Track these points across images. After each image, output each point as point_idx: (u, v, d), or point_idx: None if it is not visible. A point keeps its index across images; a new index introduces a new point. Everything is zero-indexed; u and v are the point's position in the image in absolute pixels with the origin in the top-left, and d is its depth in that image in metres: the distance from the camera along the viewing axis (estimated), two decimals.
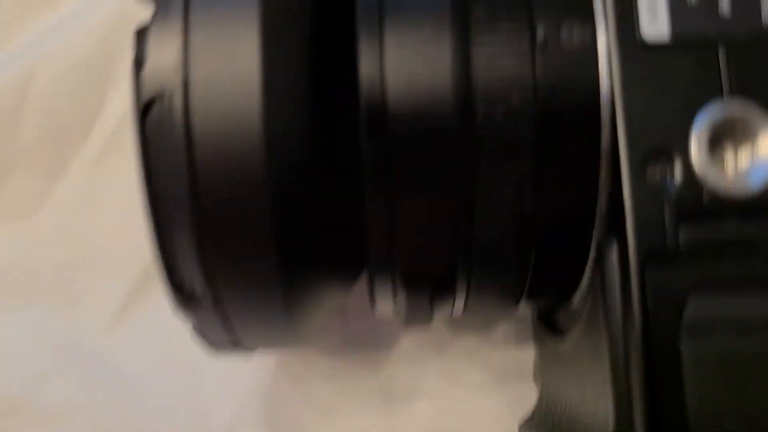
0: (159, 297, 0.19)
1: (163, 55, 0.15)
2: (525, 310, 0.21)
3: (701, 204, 0.16)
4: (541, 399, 0.22)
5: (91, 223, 0.28)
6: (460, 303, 0.19)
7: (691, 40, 0.16)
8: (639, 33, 0.16)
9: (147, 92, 0.16)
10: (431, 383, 0.26)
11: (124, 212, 0.28)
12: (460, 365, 0.26)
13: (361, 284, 0.20)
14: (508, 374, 0.26)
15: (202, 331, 0.18)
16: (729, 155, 0.16)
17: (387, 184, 0.17)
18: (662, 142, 0.16)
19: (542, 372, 0.22)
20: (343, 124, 0.17)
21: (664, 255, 0.15)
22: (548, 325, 0.21)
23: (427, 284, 0.18)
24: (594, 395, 0.17)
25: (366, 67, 0.16)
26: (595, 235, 0.17)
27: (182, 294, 0.17)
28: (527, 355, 0.24)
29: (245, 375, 0.27)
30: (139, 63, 0.16)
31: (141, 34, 0.16)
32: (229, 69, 0.15)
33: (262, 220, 0.16)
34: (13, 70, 0.29)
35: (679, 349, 0.15)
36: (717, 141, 0.16)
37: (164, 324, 0.22)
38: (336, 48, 0.18)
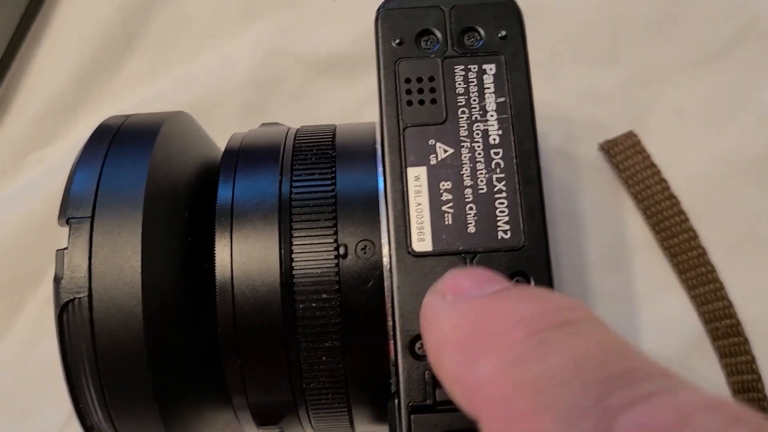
0: None
1: (74, 274, 0.22)
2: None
3: None
4: None
5: (40, 354, 0.35)
6: None
7: (447, 251, 0.23)
8: (411, 247, 0.23)
9: (63, 298, 0.22)
10: None
11: None
12: None
13: None
14: None
15: None
16: None
17: (237, 348, 0.23)
18: None
19: None
20: (205, 302, 0.24)
21: (424, 407, 0.22)
22: None
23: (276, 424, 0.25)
24: None
25: (220, 261, 0.24)
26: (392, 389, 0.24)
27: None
28: None
29: None
30: (58, 279, 0.22)
31: (59, 255, 0.23)
32: (120, 282, 0.22)
33: (144, 383, 0.23)
34: None
35: None
36: None
37: None
38: (199, 246, 0.24)
